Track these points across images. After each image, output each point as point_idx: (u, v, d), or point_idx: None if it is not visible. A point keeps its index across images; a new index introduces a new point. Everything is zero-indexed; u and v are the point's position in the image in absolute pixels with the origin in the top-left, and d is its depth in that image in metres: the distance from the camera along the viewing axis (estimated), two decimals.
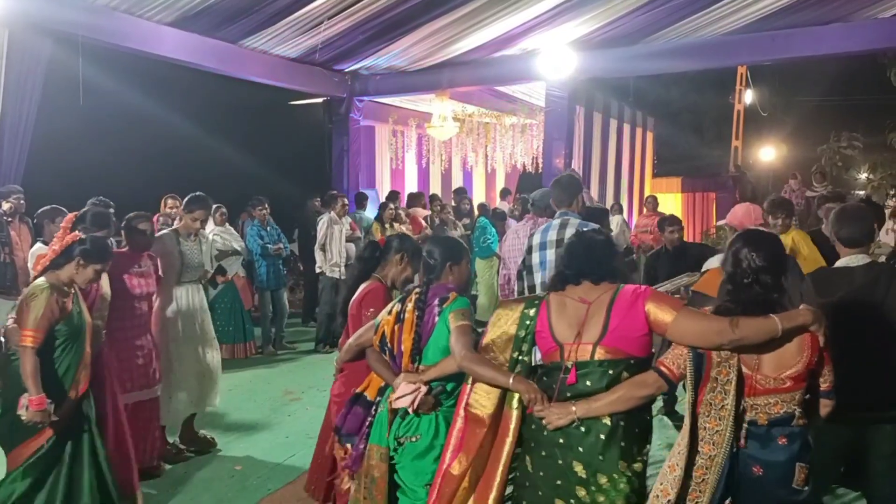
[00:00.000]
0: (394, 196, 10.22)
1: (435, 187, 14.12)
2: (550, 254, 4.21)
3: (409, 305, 3.03)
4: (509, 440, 2.67)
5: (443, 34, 9.34)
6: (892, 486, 3.22)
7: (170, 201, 8.08)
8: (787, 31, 8.76)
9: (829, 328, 2.68)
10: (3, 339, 3.62)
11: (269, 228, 8.42)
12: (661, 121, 18.60)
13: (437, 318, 2.95)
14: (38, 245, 5.07)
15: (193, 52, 8.63)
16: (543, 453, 2.61)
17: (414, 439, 2.94)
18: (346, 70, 11.13)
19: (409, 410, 2.90)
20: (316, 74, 10.74)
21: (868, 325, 3.16)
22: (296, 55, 9.98)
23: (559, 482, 2.56)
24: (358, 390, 3.27)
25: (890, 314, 3.17)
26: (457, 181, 14.81)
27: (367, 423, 3.12)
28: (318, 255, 8.38)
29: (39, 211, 5.44)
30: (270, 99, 12.18)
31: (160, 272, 4.78)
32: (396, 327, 3.04)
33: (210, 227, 7.91)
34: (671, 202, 15.87)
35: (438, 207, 10.00)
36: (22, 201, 6.38)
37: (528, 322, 2.69)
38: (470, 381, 2.76)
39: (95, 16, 7.40)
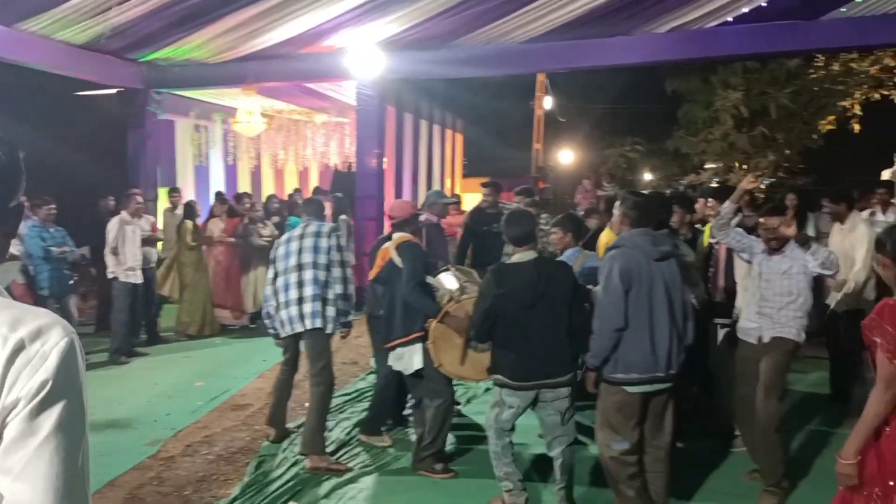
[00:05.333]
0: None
1: (244, 185, 13.62)
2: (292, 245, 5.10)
3: None
4: None
5: (248, 26, 9.02)
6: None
7: None
8: (578, 42, 9.41)
9: (505, 314, 3.70)
10: None
11: (52, 230, 7.66)
12: (470, 123, 19.25)
13: None
14: None
15: None
16: None
17: None
18: (141, 60, 10.42)
19: None
20: (106, 63, 9.95)
21: (534, 311, 3.88)
22: (83, 41, 9.18)
23: None
24: None
25: (551, 301, 3.88)
26: (267, 179, 14.41)
27: None
28: (108, 258, 7.75)
29: None
30: (53, 89, 11.09)
31: None
32: None
33: None
34: (478, 202, 16.48)
35: (248, 206, 9.66)
36: None
37: None
38: None
39: None
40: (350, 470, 4.90)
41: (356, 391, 6.59)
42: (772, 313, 4.37)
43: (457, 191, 16.29)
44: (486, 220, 7.00)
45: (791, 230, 4.52)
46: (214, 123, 12.75)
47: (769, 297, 4.39)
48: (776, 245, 4.38)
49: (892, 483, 2.66)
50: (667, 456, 3.92)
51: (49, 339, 1.05)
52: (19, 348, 1.03)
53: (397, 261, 4.78)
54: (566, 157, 25.76)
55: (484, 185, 7.75)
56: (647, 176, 20.50)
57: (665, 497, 3.94)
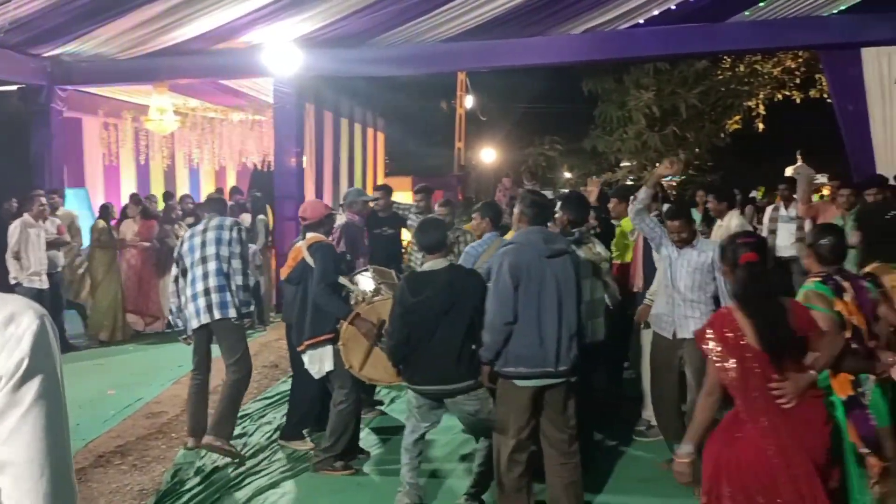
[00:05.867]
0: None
1: (157, 185, 13.18)
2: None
3: (848, 285, 3.36)
4: None
5: (159, 21, 8.71)
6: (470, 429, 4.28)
7: None
8: (497, 42, 9.51)
9: (418, 321, 3.95)
10: None
11: None
12: (392, 121, 19.17)
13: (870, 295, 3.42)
14: None
15: None
16: None
17: None
18: (45, 55, 9.93)
19: None
20: (6, 58, 9.42)
21: (446, 318, 4.00)
22: None
23: None
24: (842, 398, 3.29)
25: (461, 308, 3.99)
26: (182, 179, 13.97)
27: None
28: (10, 263, 7.36)
29: None
30: None
31: None
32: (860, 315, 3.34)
33: None
34: (403, 201, 16.43)
35: (153, 204, 9.35)
36: None
37: None
38: None
39: None
40: (243, 457, 5.00)
41: (277, 394, 6.48)
42: (684, 304, 4.50)
43: None
44: (378, 223, 7.03)
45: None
46: (125, 121, 12.25)
47: (681, 289, 4.51)
48: (681, 245, 4.54)
49: (753, 486, 2.84)
50: (571, 448, 4.00)
51: (21, 322, 1.17)
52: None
53: (310, 261, 4.77)
54: (488, 155, 26.04)
55: (377, 188, 7.83)
56: (567, 174, 20.98)
57: (576, 486, 4.04)
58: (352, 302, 4.78)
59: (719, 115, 14.93)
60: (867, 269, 3.97)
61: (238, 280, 5.10)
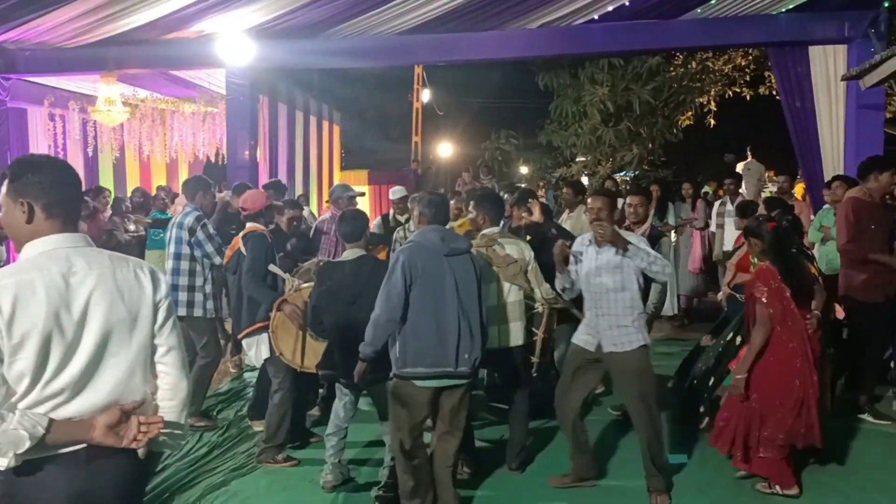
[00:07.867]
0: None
1: (106, 178, 12.86)
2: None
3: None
4: None
5: (107, 9, 8.45)
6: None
7: None
8: (452, 35, 9.48)
9: (329, 310, 4.14)
10: None
11: None
12: (348, 115, 19.05)
13: None
14: None
15: None
16: None
17: None
18: None
19: None
20: None
21: (354, 308, 4.07)
22: None
23: None
24: None
25: (370, 300, 3.90)
26: (132, 171, 13.67)
27: None
28: None
29: None
30: None
31: None
32: None
33: None
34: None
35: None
36: None
37: None
38: None
39: None
40: (216, 426, 5.41)
41: (229, 391, 6.39)
42: (610, 313, 4.13)
43: (336, 183, 16.07)
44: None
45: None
46: (71, 112, 11.90)
47: (609, 285, 4.13)
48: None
49: (768, 396, 4.11)
50: (455, 450, 3.98)
51: (147, 265, 2.23)
52: (153, 272, 2.21)
53: (243, 250, 4.88)
54: (445, 149, 26.03)
55: (265, 186, 7.72)
56: (523, 169, 21.08)
57: (454, 494, 4.00)
58: (286, 290, 4.82)
59: (672, 111, 15.13)
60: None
61: (199, 279, 5.48)
